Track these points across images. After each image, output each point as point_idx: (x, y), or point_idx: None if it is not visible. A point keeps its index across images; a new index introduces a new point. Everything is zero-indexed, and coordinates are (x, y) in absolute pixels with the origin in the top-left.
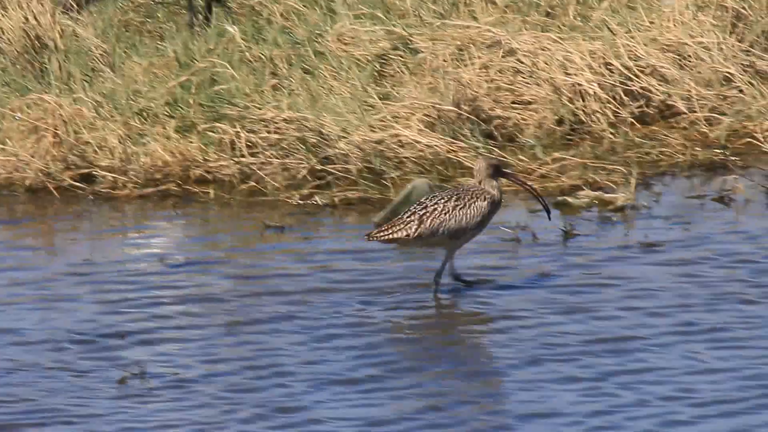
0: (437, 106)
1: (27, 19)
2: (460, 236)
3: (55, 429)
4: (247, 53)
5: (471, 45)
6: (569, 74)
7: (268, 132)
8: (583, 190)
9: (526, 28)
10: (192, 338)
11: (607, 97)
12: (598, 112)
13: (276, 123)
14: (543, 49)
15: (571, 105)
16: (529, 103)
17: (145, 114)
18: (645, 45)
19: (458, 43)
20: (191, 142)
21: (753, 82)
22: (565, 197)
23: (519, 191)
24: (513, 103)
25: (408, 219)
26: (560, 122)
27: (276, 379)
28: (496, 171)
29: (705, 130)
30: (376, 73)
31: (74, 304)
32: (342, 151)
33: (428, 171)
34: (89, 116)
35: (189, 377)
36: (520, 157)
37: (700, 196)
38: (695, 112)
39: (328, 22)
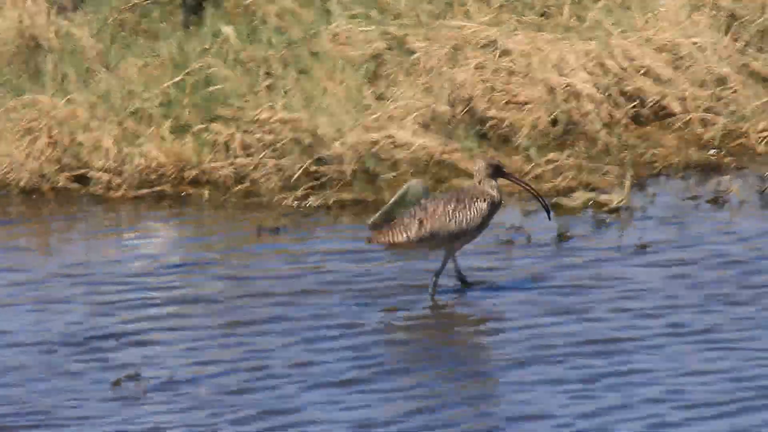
0: (432, 106)
1: (22, 19)
2: (461, 238)
3: (48, 431)
4: (241, 53)
5: (465, 45)
6: (564, 75)
7: (263, 133)
8: (578, 191)
9: (520, 29)
10: (186, 340)
11: (601, 97)
12: (592, 112)
13: (270, 124)
14: (537, 50)
15: (565, 106)
16: (524, 103)
17: (139, 115)
18: (639, 45)
19: (453, 43)
20: (186, 143)
21: (747, 82)
22: (559, 198)
23: (512, 192)
24: (507, 103)
25: (408, 222)
26: (555, 123)
27: (270, 380)
28: (496, 171)
29: (699, 130)
30: (370, 74)
31: (68, 306)
32: (336, 152)
33: (423, 172)
34: (84, 117)
35: (182, 379)
36: (515, 158)
37: (694, 197)
38: (689, 112)
39: (323, 22)
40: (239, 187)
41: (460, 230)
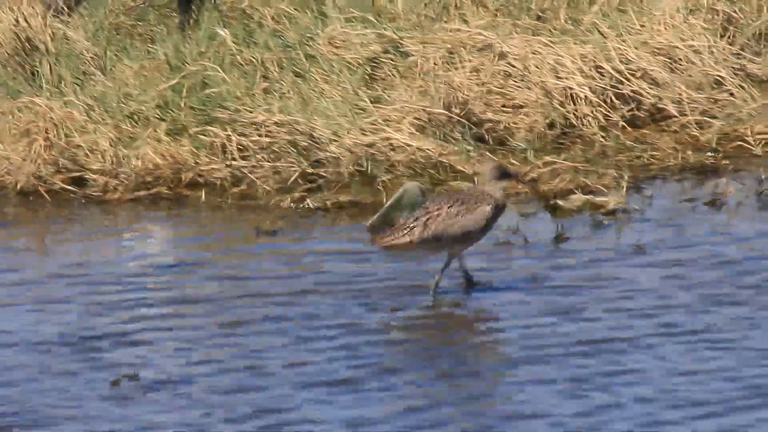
0: (428, 109)
1: (18, 21)
2: (465, 241)
3: (46, 430)
4: (238, 56)
5: (462, 48)
6: (560, 78)
7: (260, 135)
8: (575, 193)
9: (516, 32)
10: (183, 339)
11: (598, 100)
12: (589, 115)
13: (267, 126)
14: (534, 53)
15: (562, 108)
16: (520, 106)
17: (136, 117)
18: (636, 48)
19: (449, 46)
20: (182, 146)
21: (744, 85)
22: (556, 201)
23: (509, 194)
24: (504, 106)
25: (411, 224)
26: (551, 126)
27: (266, 380)
28: (502, 173)
29: (696, 133)
30: (367, 77)
31: (66, 306)
32: (333, 155)
33: (419, 174)
34: (80, 119)
35: (179, 379)
36: (512, 160)
37: (691, 200)
38: (686, 115)
39: (319, 25)
40: (236, 189)
41: (464, 233)
